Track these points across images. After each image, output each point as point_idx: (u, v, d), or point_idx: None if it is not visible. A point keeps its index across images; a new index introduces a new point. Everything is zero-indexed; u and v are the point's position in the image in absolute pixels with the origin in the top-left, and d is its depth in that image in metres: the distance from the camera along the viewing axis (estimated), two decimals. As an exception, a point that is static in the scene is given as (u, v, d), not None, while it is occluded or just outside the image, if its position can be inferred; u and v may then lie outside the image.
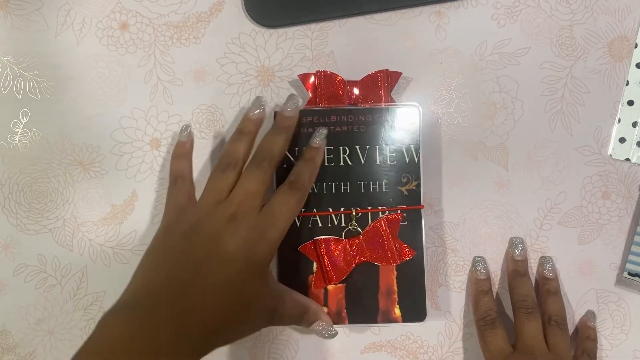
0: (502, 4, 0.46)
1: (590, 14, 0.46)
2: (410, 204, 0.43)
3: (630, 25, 0.46)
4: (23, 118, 0.45)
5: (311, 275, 0.43)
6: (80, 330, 0.45)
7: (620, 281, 0.46)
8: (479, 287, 0.44)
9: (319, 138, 0.42)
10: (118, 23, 0.45)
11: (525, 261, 0.44)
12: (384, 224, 0.42)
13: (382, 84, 0.43)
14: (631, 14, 0.46)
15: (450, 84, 0.46)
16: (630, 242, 0.46)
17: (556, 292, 0.44)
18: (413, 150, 0.43)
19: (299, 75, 0.44)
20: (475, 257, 0.45)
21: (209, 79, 0.45)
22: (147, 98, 0.45)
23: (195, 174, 0.45)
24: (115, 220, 0.45)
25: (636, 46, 0.46)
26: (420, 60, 0.46)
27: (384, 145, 0.43)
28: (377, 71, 0.43)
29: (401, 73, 0.44)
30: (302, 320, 0.41)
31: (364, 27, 0.46)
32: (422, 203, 0.43)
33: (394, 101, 0.44)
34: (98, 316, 0.45)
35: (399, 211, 0.43)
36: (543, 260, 0.45)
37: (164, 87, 0.45)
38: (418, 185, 0.43)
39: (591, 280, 0.46)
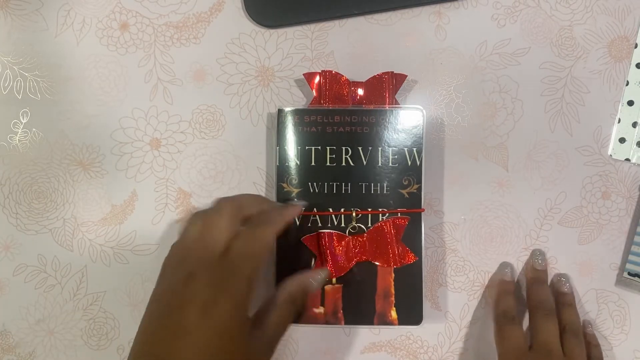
0: (502, 4, 0.46)
1: (590, 14, 0.46)
2: (411, 206, 0.43)
3: (630, 25, 0.46)
4: (23, 118, 0.45)
5: None
6: (80, 330, 0.45)
7: (620, 281, 0.46)
8: (504, 287, 0.44)
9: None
10: (118, 23, 0.45)
11: (545, 271, 0.45)
12: (390, 226, 0.42)
13: (387, 86, 0.43)
14: (631, 14, 0.46)
15: (450, 84, 0.46)
16: (630, 242, 0.46)
17: (572, 305, 0.44)
18: (415, 153, 0.43)
19: (304, 74, 0.44)
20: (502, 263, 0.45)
21: (209, 79, 0.45)
22: (147, 98, 0.45)
23: (194, 175, 0.45)
24: (115, 220, 0.45)
25: (636, 46, 0.46)
26: (420, 60, 0.46)
27: (386, 147, 0.43)
28: (383, 73, 0.43)
29: (406, 75, 0.44)
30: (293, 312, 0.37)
31: (364, 27, 0.45)
32: (422, 206, 0.43)
33: (398, 103, 0.44)
34: (98, 316, 0.45)
35: (399, 214, 0.43)
36: (559, 276, 0.45)
37: (164, 87, 0.45)
38: (419, 189, 0.43)
39: (591, 280, 0.46)
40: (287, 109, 0.43)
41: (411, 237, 0.43)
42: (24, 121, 0.45)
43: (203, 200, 0.45)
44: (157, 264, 0.45)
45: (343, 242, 0.42)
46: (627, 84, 0.46)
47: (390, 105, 0.43)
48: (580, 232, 0.46)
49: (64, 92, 0.45)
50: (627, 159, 0.46)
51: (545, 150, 0.46)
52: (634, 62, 0.46)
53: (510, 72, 0.46)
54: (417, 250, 0.43)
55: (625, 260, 0.46)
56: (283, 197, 0.43)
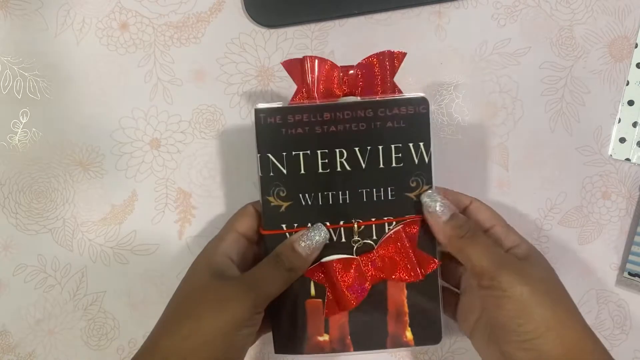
0: (502, 4, 0.46)
1: (590, 14, 0.46)
2: (421, 212, 0.37)
3: (630, 25, 0.46)
4: (23, 118, 0.45)
5: (309, 299, 0.38)
6: (80, 330, 0.45)
7: (620, 281, 0.46)
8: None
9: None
10: (118, 23, 0.45)
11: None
12: (403, 235, 0.36)
13: (384, 67, 0.37)
14: (631, 14, 0.46)
15: (450, 84, 0.46)
16: (630, 242, 0.46)
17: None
18: (422, 149, 0.37)
19: (282, 63, 0.37)
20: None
21: (209, 79, 0.45)
22: (147, 98, 0.45)
23: (194, 175, 0.45)
24: (115, 220, 0.45)
25: (636, 46, 0.46)
26: (420, 60, 0.46)
27: (387, 145, 0.37)
28: (378, 53, 0.37)
29: (406, 53, 0.38)
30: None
31: (364, 27, 0.45)
32: None
33: (398, 88, 0.38)
34: (98, 316, 0.45)
35: (407, 221, 0.37)
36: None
37: (164, 87, 0.45)
38: (429, 190, 0.37)
39: (591, 280, 0.46)
40: (266, 107, 0.36)
41: (424, 246, 0.37)
42: (23, 121, 0.45)
43: (203, 200, 0.45)
44: (157, 264, 0.45)
45: (354, 266, 0.37)
46: (627, 84, 0.46)
47: (390, 94, 0.37)
48: (580, 232, 0.46)
49: (64, 92, 0.45)
50: (627, 159, 0.46)
51: (545, 150, 0.46)
52: (634, 62, 0.46)
53: (510, 72, 0.45)
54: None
55: (625, 260, 0.46)
56: (271, 214, 0.37)
